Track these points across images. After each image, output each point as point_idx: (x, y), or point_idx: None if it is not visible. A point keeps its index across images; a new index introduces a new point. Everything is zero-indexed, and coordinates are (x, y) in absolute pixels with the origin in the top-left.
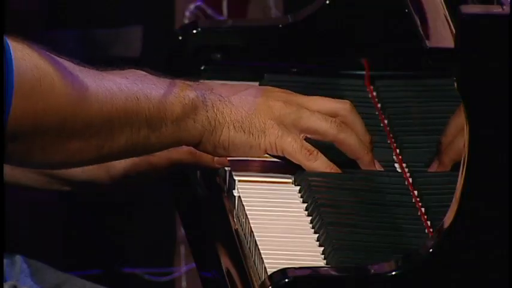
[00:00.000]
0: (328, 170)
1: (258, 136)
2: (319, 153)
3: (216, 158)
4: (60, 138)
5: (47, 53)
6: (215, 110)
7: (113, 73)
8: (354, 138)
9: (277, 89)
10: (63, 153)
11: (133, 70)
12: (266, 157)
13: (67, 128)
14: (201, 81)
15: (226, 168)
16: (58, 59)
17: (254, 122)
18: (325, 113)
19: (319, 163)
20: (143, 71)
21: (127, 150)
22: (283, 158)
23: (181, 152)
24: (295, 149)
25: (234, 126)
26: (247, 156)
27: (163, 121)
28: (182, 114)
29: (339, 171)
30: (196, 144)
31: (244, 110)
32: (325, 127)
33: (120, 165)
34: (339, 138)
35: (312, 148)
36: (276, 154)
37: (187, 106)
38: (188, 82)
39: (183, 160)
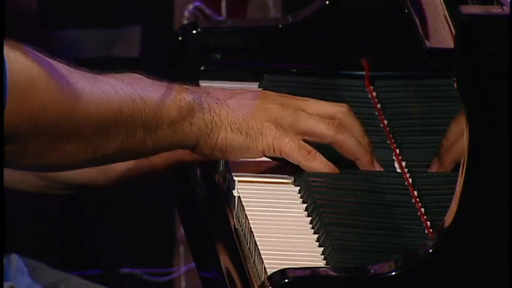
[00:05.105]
0: (326, 170)
1: (256, 138)
2: (318, 153)
3: None
4: (55, 140)
5: (41, 55)
6: (212, 113)
7: (108, 76)
8: (352, 140)
9: (273, 93)
10: (58, 155)
11: (129, 74)
12: (266, 157)
13: (61, 130)
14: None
15: (225, 162)
16: (52, 61)
17: (251, 124)
18: (322, 116)
19: (318, 163)
20: (139, 74)
21: (122, 153)
22: (282, 159)
23: (181, 151)
24: (293, 149)
25: (231, 129)
26: (245, 158)
27: (160, 124)
28: (178, 117)
29: (338, 171)
30: (193, 148)
31: (241, 112)
32: (323, 129)
33: (119, 167)
34: (336, 139)
35: (310, 148)
36: (273, 155)
37: (183, 109)
38: (185, 85)
39: (184, 159)
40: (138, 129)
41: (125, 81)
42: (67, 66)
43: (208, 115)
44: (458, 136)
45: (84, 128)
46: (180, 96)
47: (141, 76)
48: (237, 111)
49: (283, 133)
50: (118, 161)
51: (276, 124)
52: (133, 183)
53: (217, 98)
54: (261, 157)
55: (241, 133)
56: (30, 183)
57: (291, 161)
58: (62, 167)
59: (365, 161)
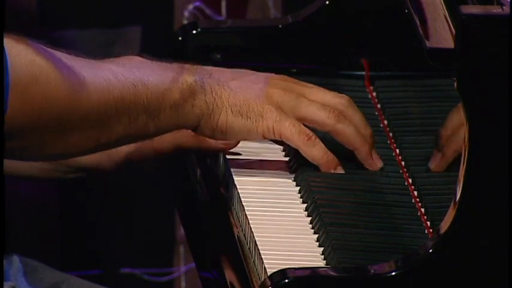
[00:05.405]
0: (325, 158)
1: (256, 120)
2: (318, 139)
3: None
4: (59, 132)
5: (42, 47)
6: (213, 95)
7: (110, 61)
8: (351, 129)
9: (277, 76)
10: (62, 145)
11: (130, 57)
12: (266, 157)
13: (65, 121)
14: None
15: (225, 155)
16: (53, 52)
17: (252, 106)
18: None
19: (317, 149)
20: (141, 57)
21: (126, 138)
22: (283, 145)
23: (184, 135)
24: (293, 133)
25: (231, 111)
26: (245, 140)
27: (162, 107)
28: (180, 100)
29: (336, 160)
30: (195, 129)
31: (243, 95)
32: (324, 117)
33: (123, 150)
34: (336, 128)
35: (311, 133)
36: (273, 138)
37: (185, 91)
38: (187, 66)
39: (187, 143)
40: (141, 114)
41: (126, 67)
42: (68, 56)
43: (210, 97)
44: (458, 126)
45: (86, 118)
46: (181, 78)
47: (143, 59)
48: (238, 93)
49: (284, 117)
50: (122, 145)
51: (277, 107)
52: (137, 167)
53: (219, 79)
54: (261, 139)
55: (241, 115)
56: (38, 167)
57: (291, 145)
58: (66, 156)
59: (363, 151)
